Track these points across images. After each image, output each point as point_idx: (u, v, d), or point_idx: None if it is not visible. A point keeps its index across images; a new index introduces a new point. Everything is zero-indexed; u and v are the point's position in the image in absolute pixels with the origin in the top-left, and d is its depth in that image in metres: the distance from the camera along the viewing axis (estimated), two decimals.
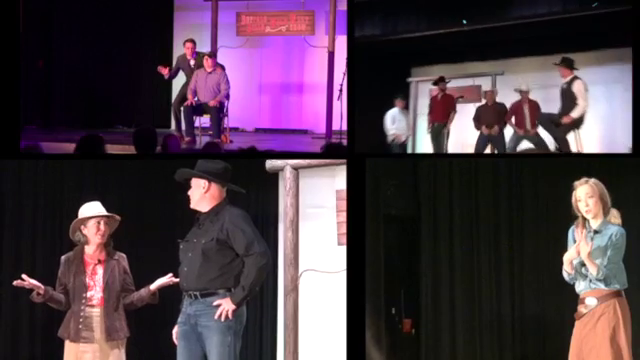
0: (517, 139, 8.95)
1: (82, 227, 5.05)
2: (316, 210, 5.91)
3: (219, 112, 9.02)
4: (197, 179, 4.69)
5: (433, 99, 9.88)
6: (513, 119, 9.07)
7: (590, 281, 4.64)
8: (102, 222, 5.04)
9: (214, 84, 9.02)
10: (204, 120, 9.35)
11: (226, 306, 4.54)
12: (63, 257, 5.15)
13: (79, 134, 6.52)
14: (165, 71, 9.52)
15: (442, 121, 9.67)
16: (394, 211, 6.17)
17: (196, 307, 4.60)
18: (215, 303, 4.56)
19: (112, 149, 7.38)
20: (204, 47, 9.84)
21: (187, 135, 9.05)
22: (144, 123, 8.76)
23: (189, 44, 9.37)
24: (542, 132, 8.76)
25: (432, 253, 6.31)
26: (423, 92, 10.61)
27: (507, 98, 9.27)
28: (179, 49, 10.23)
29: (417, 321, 6.27)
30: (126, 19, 10.47)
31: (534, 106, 8.98)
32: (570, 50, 8.87)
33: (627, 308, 4.69)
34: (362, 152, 7.54)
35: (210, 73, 9.01)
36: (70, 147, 6.48)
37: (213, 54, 9.41)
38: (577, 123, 8.31)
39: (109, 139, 7.20)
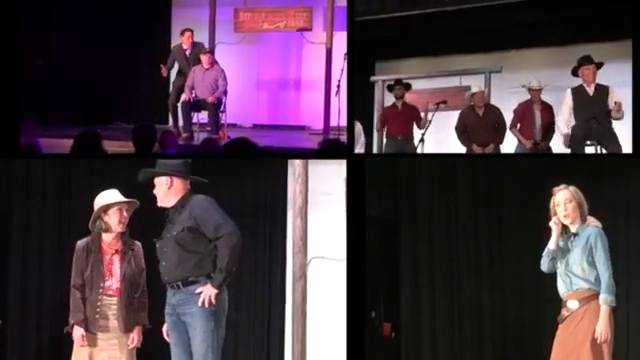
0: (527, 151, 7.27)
1: (103, 215, 5.08)
2: (325, 197, 6.00)
3: (217, 108, 9.07)
4: (159, 177, 4.86)
5: (388, 109, 8.21)
6: (519, 126, 7.32)
7: (571, 282, 4.67)
8: (124, 209, 5.11)
9: (212, 80, 9.05)
10: (202, 116, 9.28)
11: (208, 291, 4.70)
12: (79, 243, 5.17)
13: (77, 130, 6.48)
14: (165, 71, 9.60)
15: (405, 134, 7.87)
16: (373, 213, 6.07)
17: (179, 296, 4.78)
18: (197, 291, 4.71)
19: (110, 145, 7.32)
20: (202, 42, 9.57)
21: (185, 131, 9.08)
22: (142, 119, 8.80)
23: (188, 33, 9.40)
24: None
25: (412, 256, 6.27)
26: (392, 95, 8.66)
27: (506, 102, 7.57)
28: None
29: (397, 325, 6.29)
30: (124, 15, 10.30)
31: (547, 110, 7.29)
32: (592, 39, 7.24)
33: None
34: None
35: (208, 70, 9.05)
36: (68, 143, 6.40)
37: (210, 51, 9.42)
38: (606, 136, 6.77)
39: (107, 135, 7.24)
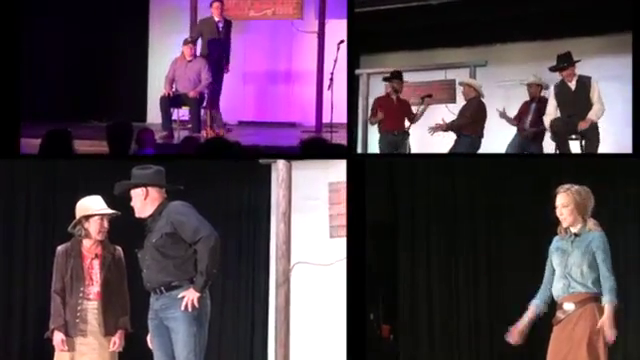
0: (521, 143, 8.33)
1: (84, 221, 5.72)
2: (308, 202, 6.71)
3: (199, 104, 9.49)
4: (135, 189, 5.45)
5: (383, 100, 9.04)
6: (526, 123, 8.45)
7: (569, 285, 5.21)
8: (105, 219, 5.75)
9: (194, 73, 9.50)
10: (182, 112, 9.69)
11: (190, 295, 5.22)
12: (60, 248, 5.81)
13: (49, 129, 6.91)
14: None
15: (400, 128, 8.88)
16: (371, 214, 6.67)
17: (162, 301, 5.32)
18: (180, 295, 5.25)
19: (82, 145, 7.76)
20: (182, 33, 10.17)
21: (164, 129, 9.45)
22: (118, 117, 8.95)
23: (217, 4, 9.83)
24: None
25: (410, 258, 7.10)
26: (377, 89, 9.75)
27: (491, 96, 8.64)
28: (155, 36, 10.94)
29: (395, 327, 7.16)
30: (98, 5, 10.68)
31: (544, 106, 8.25)
32: (578, 33, 8.46)
33: None
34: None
35: (190, 62, 9.53)
36: (37, 143, 6.82)
37: (193, 40, 9.79)
38: (589, 131, 7.81)
39: (80, 134, 7.74)
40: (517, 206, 6.83)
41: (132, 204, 5.47)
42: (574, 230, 5.26)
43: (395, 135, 8.91)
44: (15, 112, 7.44)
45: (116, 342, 5.76)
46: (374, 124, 9.11)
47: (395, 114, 8.97)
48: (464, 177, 7.08)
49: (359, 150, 9.36)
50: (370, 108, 9.25)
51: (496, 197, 6.98)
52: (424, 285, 7.10)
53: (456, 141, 8.63)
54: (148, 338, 5.48)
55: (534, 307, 5.37)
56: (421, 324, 7.09)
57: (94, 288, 5.71)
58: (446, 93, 9.28)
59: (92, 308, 5.70)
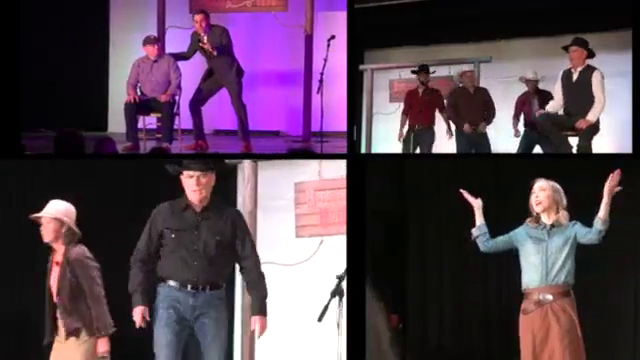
0: (529, 139, 10.48)
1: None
2: (274, 202, 8.56)
3: (171, 109, 10.59)
4: (207, 172, 6.89)
5: (411, 95, 11.51)
6: (522, 117, 10.49)
7: (547, 275, 6.79)
8: (52, 222, 7.20)
9: (162, 74, 10.72)
10: (149, 120, 10.87)
11: (262, 323, 7.03)
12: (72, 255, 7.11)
13: None
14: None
15: (426, 123, 11.44)
16: (380, 207, 8.54)
17: (203, 299, 6.74)
18: (253, 323, 6.95)
19: None
20: (149, 28, 11.53)
21: (129, 139, 10.52)
22: (73, 125, 9.98)
23: (198, 17, 10.85)
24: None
25: (419, 249, 9.06)
26: (381, 84, 12.43)
27: (496, 92, 11.04)
28: (116, 34, 12.47)
29: (404, 316, 9.01)
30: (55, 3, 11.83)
31: (543, 98, 10.42)
32: (582, 29, 10.06)
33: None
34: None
35: (156, 62, 10.66)
36: None
37: (156, 38, 10.97)
38: (592, 129, 9.41)
39: (28, 145, 9.36)
40: (521, 201, 8.03)
41: (196, 189, 6.99)
42: (549, 221, 6.87)
43: (417, 130, 11.45)
44: (17, 112, 9.24)
45: (102, 347, 7.33)
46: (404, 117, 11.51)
47: (419, 108, 11.54)
48: (473, 174, 9.05)
49: (363, 149, 11.86)
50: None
51: (502, 192, 9.01)
52: (433, 274, 9.34)
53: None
54: (139, 313, 6.90)
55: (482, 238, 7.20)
56: (430, 313, 9.18)
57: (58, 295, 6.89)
58: (450, 89, 11.38)
59: (60, 312, 7.15)
